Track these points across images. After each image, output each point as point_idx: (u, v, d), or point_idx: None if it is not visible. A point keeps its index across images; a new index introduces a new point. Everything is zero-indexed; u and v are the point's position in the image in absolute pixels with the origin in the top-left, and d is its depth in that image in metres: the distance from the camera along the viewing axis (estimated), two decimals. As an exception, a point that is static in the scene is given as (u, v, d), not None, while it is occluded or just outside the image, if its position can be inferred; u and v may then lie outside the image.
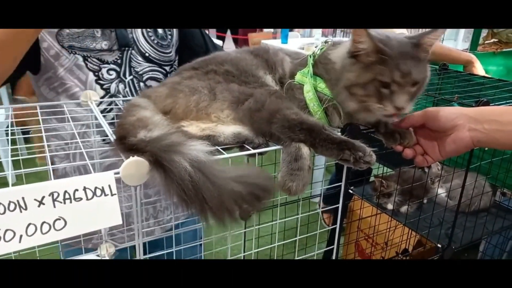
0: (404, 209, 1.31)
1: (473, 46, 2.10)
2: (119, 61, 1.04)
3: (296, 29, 5.43)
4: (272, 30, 5.48)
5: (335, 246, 0.88)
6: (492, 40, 2.02)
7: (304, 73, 0.81)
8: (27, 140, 1.89)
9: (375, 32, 0.73)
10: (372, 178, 1.40)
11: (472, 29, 2.22)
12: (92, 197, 0.52)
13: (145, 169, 0.54)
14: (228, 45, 5.54)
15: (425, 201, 1.34)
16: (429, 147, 0.75)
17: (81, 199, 0.51)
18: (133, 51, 1.06)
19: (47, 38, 0.98)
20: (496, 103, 1.01)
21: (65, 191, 0.50)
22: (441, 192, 1.31)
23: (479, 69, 1.74)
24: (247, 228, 0.86)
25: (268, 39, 4.78)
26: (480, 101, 0.92)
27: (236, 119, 0.74)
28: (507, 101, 1.04)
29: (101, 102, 0.92)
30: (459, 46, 5.57)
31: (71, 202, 0.51)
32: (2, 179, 0.66)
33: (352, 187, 1.43)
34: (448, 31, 5.17)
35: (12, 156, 0.68)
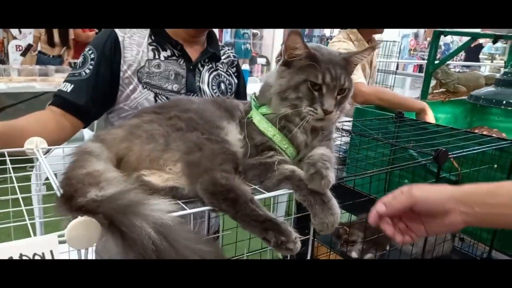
0: (368, 257, 1.29)
1: (424, 95, 2.22)
2: None
3: (256, 75, 5.58)
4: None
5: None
6: (440, 90, 2.16)
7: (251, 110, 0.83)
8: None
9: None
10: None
11: (422, 79, 2.37)
12: (30, 266, 0.45)
13: (95, 231, 0.48)
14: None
15: (387, 247, 1.33)
16: (414, 226, 0.71)
17: (16, 269, 0.44)
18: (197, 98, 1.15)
19: (129, 73, 1.11)
20: (452, 152, 1.04)
21: (-4, 260, 0.43)
22: (404, 238, 1.31)
23: (430, 117, 1.82)
24: None
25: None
26: (439, 150, 0.94)
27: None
28: (462, 150, 1.08)
29: (48, 150, 0.84)
30: (406, 93, 5.94)
31: (3, 273, 0.43)
32: None
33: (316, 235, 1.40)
34: (396, 79, 5.51)
35: None
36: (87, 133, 3.06)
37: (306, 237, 0.82)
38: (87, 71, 1.09)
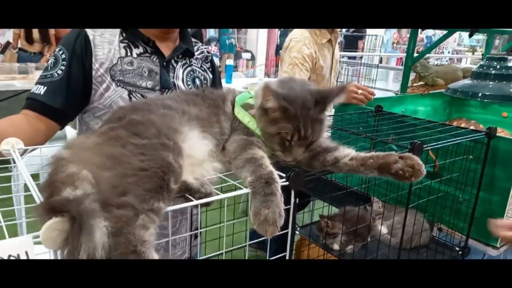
0: (349, 248, 1.32)
1: (403, 88, 2.26)
2: None
3: (240, 69, 5.56)
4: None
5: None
6: (419, 83, 2.20)
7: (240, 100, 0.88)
8: None
9: (283, 83, 0.84)
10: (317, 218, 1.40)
11: (401, 72, 2.40)
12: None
13: (70, 231, 0.48)
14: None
15: (368, 239, 1.36)
16: None
17: (-11, 270, 0.44)
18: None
19: (101, 71, 1.11)
20: (427, 144, 1.06)
21: (-30, 263, 0.43)
22: (383, 230, 1.33)
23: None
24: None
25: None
26: (415, 143, 0.96)
27: None
28: (438, 142, 1.11)
29: (25, 150, 0.84)
30: (390, 86, 6.02)
31: (-24, 275, 0.43)
32: None
33: (298, 228, 1.42)
34: (380, 72, 5.58)
35: None
36: (69, 131, 3.02)
37: (285, 231, 0.83)
38: (59, 71, 1.09)
